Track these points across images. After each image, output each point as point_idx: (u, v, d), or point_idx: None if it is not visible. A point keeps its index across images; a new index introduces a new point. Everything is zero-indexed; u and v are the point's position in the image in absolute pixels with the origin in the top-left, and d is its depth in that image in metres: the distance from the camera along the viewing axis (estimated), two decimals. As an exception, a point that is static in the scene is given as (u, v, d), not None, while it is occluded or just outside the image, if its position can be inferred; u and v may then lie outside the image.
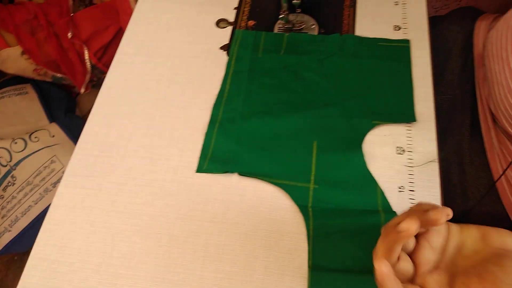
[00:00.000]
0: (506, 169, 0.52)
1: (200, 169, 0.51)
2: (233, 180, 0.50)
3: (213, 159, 0.51)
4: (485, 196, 0.54)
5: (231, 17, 0.65)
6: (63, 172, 1.04)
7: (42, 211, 1.02)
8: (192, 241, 0.46)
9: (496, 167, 0.56)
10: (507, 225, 0.54)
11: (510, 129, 0.54)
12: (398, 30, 0.61)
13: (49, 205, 1.01)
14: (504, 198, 0.55)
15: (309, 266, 0.43)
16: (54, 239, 0.47)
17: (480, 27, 0.66)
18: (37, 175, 1.02)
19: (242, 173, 0.50)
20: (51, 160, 1.03)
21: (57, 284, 0.45)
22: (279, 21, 0.64)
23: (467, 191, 0.57)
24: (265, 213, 0.47)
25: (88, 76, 1.12)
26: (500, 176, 0.53)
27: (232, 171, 0.50)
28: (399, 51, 0.59)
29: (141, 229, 0.47)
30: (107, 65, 1.15)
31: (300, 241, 0.45)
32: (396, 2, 0.64)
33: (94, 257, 0.46)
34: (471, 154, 0.58)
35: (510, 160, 0.54)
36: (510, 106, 0.52)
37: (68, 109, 1.18)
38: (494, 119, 0.58)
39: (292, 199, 0.47)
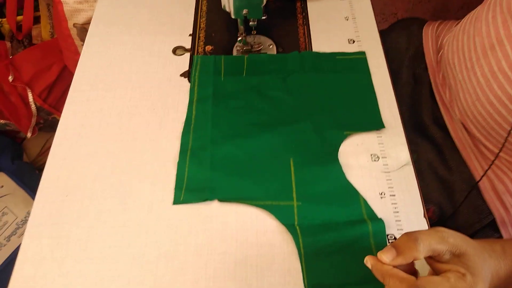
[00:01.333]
0: (487, 170, 0.54)
1: (177, 201, 0.48)
2: (213, 208, 0.48)
3: (189, 189, 0.49)
4: (468, 195, 0.55)
5: (187, 44, 0.64)
6: (16, 224, 0.96)
7: (-4, 270, 0.93)
8: (179, 279, 0.43)
9: (473, 164, 0.58)
10: (490, 220, 0.56)
11: (479, 135, 0.57)
12: (353, 43, 0.63)
13: (4, 261, 0.92)
14: (485, 194, 0.57)
15: (305, 286, 0.42)
16: (23, 299, 0.42)
17: (428, 34, 0.70)
18: (-14, 231, 0.93)
19: (221, 200, 0.48)
20: (3, 212, 0.95)
21: None
22: (237, 44, 0.64)
23: (450, 189, 0.58)
24: (252, 237, 0.45)
25: (34, 119, 1.06)
26: (482, 177, 0.54)
27: (211, 199, 0.48)
28: (357, 62, 0.61)
29: (121, 274, 0.43)
30: (54, 106, 1.10)
31: (292, 261, 0.44)
32: (346, 17, 0.67)
33: (72, 313, 0.41)
34: (445, 154, 0.60)
35: (488, 157, 0.57)
36: (478, 113, 0.54)
37: (14, 156, 1.10)
38: (462, 123, 0.60)
39: (277, 219, 0.46)
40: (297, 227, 0.45)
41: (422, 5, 1.16)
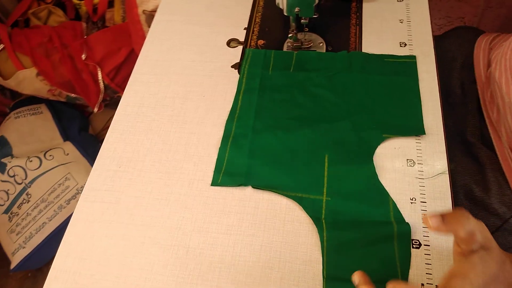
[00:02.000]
0: None
1: (214, 183, 0.52)
2: (247, 193, 0.51)
3: (227, 173, 0.53)
4: (509, 219, 0.54)
5: (241, 37, 0.68)
6: (77, 189, 1.06)
7: (56, 228, 1.04)
8: (208, 253, 0.47)
9: None
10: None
11: None
12: (404, 46, 0.63)
13: (64, 221, 1.03)
14: None
15: (323, 277, 0.44)
16: (74, 251, 0.49)
17: (480, 46, 0.67)
18: (51, 192, 1.04)
19: (255, 186, 0.51)
20: (66, 178, 1.06)
21: (77, 296, 0.46)
22: (288, 40, 0.66)
23: (489, 207, 0.57)
24: (279, 225, 0.48)
25: (101, 96, 1.16)
26: None
27: (246, 185, 0.51)
28: (405, 66, 0.60)
29: (159, 242, 0.48)
30: (120, 85, 1.19)
31: (314, 252, 0.46)
32: (400, 20, 0.66)
33: (114, 269, 0.47)
34: (487, 174, 0.58)
35: None
36: None
37: (81, 128, 1.21)
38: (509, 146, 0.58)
39: (305, 211, 0.48)
40: (323, 221, 0.47)
41: (492, 11, 1.09)
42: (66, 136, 1.15)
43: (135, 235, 0.49)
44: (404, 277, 0.43)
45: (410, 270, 0.44)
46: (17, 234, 1.05)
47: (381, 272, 0.44)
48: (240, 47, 0.66)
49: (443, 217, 0.35)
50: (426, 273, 0.43)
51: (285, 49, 0.66)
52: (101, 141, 1.27)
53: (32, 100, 1.21)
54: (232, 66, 0.64)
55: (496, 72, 0.57)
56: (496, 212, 0.56)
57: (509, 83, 0.54)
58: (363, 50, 0.63)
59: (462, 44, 0.69)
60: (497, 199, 0.57)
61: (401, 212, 0.47)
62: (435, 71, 0.59)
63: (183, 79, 0.63)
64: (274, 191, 0.51)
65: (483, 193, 0.57)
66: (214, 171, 0.53)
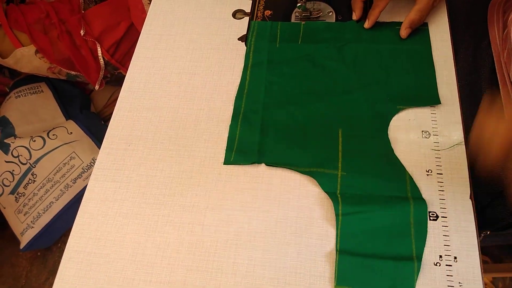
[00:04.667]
0: None
1: (227, 162, 0.51)
2: (260, 170, 0.50)
3: (239, 151, 0.52)
4: None
5: (247, 8, 0.65)
6: (82, 168, 1.06)
7: (64, 207, 1.04)
8: (223, 230, 0.47)
9: None
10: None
11: None
12: (417, 14, 0.60)
13: (70, 200, 1.03)
14: None
15: (336, 250, 0.44)
16: (88, 231, 0.48)
17: (494, 9, 0.65)
18: (57, 171, 1.04)
19: (269, 164, 0.50)
20: (70, 157, 1.05)
21: (93, 275, 0.46)
22: (296, 10, 0.64)
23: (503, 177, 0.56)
24: (294, 200, 0.48)
25: (101, 73, 1.13)
26: None
27: (259, 162, 0.51)
28: (418, 34, 0.58)
29: (173, 220, 0.48)
30: (120, 61, 1.16)
31: (329, 227, 0.46)
32: (413, -14, 0.63)
33: (129, 248, 0.47)
34: None
35: None
36: None
37: (83, 106, 1.19)
38: None
39: (320, 186, 0.48)
40: (339, 196, 0.47)
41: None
42: (68, 115, 1.14)
43: (148, 214, 0.49)
44: (419, 254, 0.43)
45: (427, 242, 0.43)
46: (24, 214, 1.06)
47: (395, 248, 0.43)
48: (247, 18, 0.64)
49: None
50: (444, 245, 0.43)
51: (293, 19, 0.63)
52: (103, 119, 1.27)
53: (32, 79, 1.19)
54: (239, 39, 0.62)
55: None
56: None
57: None
58: (374, 19, 0.61)
59: (475, 8, 0.67)
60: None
61: (417, 185, 0.47)
62: (450, 39, 0.57)
63: (189, 54, 0.61)
64: (288, 168, 0.50)
65: None
66: (226, 150, 0.52)
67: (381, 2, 0.58)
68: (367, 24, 0.60)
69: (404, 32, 0.58)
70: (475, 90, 0.63)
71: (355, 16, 0.60)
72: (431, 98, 0.52)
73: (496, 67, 0.62)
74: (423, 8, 0.57)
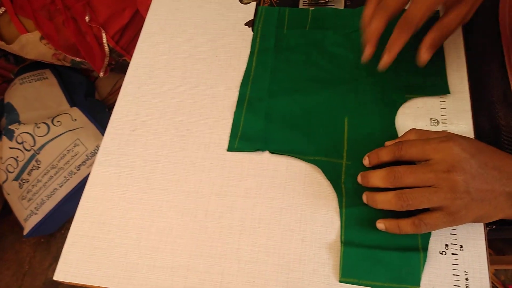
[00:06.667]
0: None
1: (231, 148, 0.51)
2: (265, 157, 0.50)
3: (243, 138, 0.51)
4: None
5: (254, -7, 0.64)
6: (86, 155, 1.06)
7: (67, 194, 1.04)
8: (227, 216, 0.46)
9: None
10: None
11: None
12: None
13: (74, 187, 1.03)
14: None
15: (341, 242, 0.44)
16: (92, 216, 0.48)
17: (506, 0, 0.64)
18: (61, 158, 1.04)
19: (273, 151, 0.50)
20: (75, 144, 1.05)
21: (97, 259, 0.46)
22: (304, -5, 0.63)
23: None
24: (299, 187, 0.47)
25: (106, 60, 1.13)
26: None
27: (263, 149, 0.50)
28: (428, 21, 0.57)
29: (177, 205, 0.48)
30: (125, 49, 1.15)
31: (335, 215, 0.45)
32: (423, -28, 0.62)
33: (133, 233, 0.47)
34: (506, 132, 0.57)
35: None
36: None
37: (87, 93, 1.19)
38: None
39: (324, 175, 0.47)
40: (343, 185, 0.46)
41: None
42: (72, 102, 1.13)
43: (152, 199, 0.48)
44: (425, 244, 0.42)
45: (433, 231, 0.43)
46: (28, 201, 1.06)
47: (400, 240, 0.43)
48: (254, 3, 0.63)
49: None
50: (450, 233, 0.43)
51: (301, 5, 0.62)
52: (107, 106, 1.27)
53: (37, 66, 1.19)
54: (245, 24, 0.61)
55: None
56: None
57: None
58: (383, 5, 0.60)
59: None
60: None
61: (424, 174, 0.46)
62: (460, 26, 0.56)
63: (195, 39, 0.61)
64: (292, 155, 0.49)
65: None
66: (230, 136, 0.52)
67: (404, 34, 0.46)
68: (387, 59, 0.47)
69: (424, 55, 0.46)
70: (483, 84, 0.61)
71: (366, 54, 0.48)
72: (440, 88, 0.51)
73: (505, 60, 0.61)
74: (449, 23, 0.46)
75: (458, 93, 0.50)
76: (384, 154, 0.43)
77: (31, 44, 1.07)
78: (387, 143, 0.46)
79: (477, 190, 0.37)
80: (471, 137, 0.48)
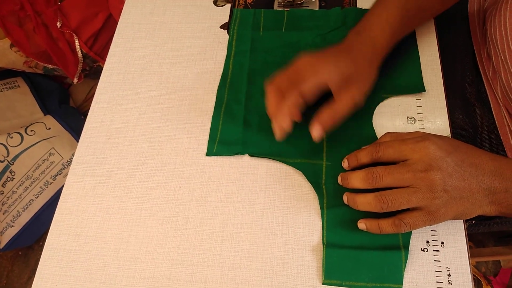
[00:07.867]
0: None
1: (210, 153, 0.50)
2: (245, 160, 0.49)
3: (222, 142, 0.51)
4: None
5: (229, -5, 0.64)
6: (62, 164, 1.03)
7: (44, 204, 1.01)
8: (208, 222, 0.45)
9: (509, 143, 0.55)
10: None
11: None
12: (400, 0, 0.60)
13: (51, 197, 1.00)
14: None
15: (323, 243, 0.43)
16: (68, 228, 0.47)
17: (475, 2, 0.65)
18: (36, 168, 1.01)
19: (252, 154, 0.49)
20: (50, 153, 1.02)
21: (75, 273, 0.44)
22: (278, -3, 0.62)
23: None
24: (280, 190, 0.47)
25: (80, 66, 1.10)
26: None
27: (242, 153, 0.49)
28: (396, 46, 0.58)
29: (156, 213, 0.47)
30: (99, 54, 1.13)
31: (316, 217, 0.45)
32: (396, -29, 0.63)
33: (111, 244, 0.45)
34: (483, 129, 0.57)
35: None
36: None
37: (61, 100, 1.16)
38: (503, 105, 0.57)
39: (305, 177, 0.47)
40: (323, 186, 0.46)
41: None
42: (46, 110, 1.10)
43: (130, 208, 0.47)
44: (406, 243, 0.42)
45: (414, 229, 0.43)
46: (4, 213, 1.02)
47: (381, 240, 0.43)
48: (228, 6, 0.62)
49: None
50: (431, 230, 0.43)
51: (276, 6, 0.62)
52: (83, 113, 1.24)
53: (8, 74, 1.15)
54: (220, 27, 0.60)
55: (491, 29, 0.55)
56: None
57: (503, 39, 0.52)
58: (358, 6, 0.60)
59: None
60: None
61: (403, 171, 0.46)
62: (433, 23, 0.57)
63: (170, 43, 0.60)
64: (271, 158, 0.49)
65: None
66: (209, 141, 0.51)
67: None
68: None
69: (315, 132, 0.45)
70: (458, 81, 0.62)
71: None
72: (416, 86, 0.52)
73: (478, 62, 0.61)
74: (341, 109, 0.45)
75: (433, 91, 0.51)
76: (363, 156, 0.43)
77: (0, 52, 1.03)
78: (364, 148, 0.46)
79: (455, 188, 0.38)
80: (448, 134, 0.48)
